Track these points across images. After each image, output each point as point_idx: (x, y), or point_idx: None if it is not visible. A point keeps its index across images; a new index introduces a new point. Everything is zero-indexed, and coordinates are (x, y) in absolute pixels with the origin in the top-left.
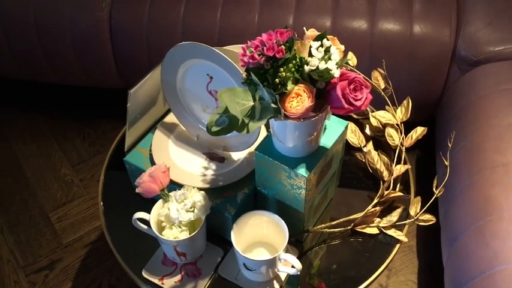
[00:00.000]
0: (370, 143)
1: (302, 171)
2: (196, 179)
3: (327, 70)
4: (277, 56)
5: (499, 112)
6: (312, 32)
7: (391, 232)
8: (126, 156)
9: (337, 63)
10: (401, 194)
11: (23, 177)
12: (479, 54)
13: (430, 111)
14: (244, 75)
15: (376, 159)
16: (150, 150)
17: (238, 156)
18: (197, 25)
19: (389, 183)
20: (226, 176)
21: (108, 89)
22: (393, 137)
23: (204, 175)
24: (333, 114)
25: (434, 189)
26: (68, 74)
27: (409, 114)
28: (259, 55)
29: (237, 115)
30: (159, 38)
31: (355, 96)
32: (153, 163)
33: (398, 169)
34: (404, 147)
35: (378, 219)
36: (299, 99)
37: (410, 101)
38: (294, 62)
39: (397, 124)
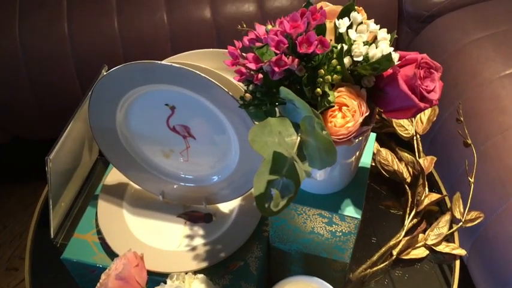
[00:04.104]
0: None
1: (350, 211)
2: (184, 259)
3: (387, 57)
4: (317, 51)
5: (483, 66)
6: (324, 7)
7: (443, 248)
8: (63, 251)
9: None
10: (438, 195)
11: None
12: (430, 7)
13: None
14: (245, 94)
15: (391, 159)
16: (99, 233)
17: (229, 207)
18: (90, 41)
19: (424, 185)
20: (225, 241)
21: None
22: (404, 125)
23: (193, 249)
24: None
25: (468, 177)
26: None
27: None
28: (287, 56)
29: (298, 164)
30: (42, 66)
31: (426, 87)
32: (109, 251)
33: (423, 163)
34: (419, 136)
35: (421, 235)
36: (345, 111)
37: None
38: (333, 55)
39: None
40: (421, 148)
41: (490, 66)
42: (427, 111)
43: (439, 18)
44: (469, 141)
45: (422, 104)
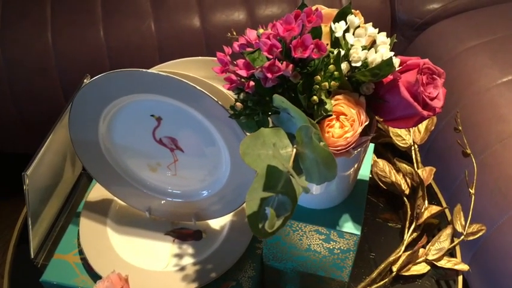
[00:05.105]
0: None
1: (349, 227)
2: (172, 280)
3: (387, 62)
4: (313, 56)
5: (479, 74)
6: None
7: (444, 263)
8: (43, 273)
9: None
10: (438, 207)
11: None
12: (423, 14)
13: None
14: (236, 103)
15: (388, 170)
16: (81, 253)
17: (220, 223)
18: (75, 51)
19: (424, 197)
20: (216, 260)
21: None
22: (402, 135)
23: (182, 269)
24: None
25: (468, 188)
26: None
27: None
28: (281, 61)
29: (295, 179)
30: (25, 77)
31: (429, 94)
32: (92, 273)
33: (422, 174)
34: (417, 146)
35: (421, 250)
36: (343, 121)
37: None
38: (330, 61)
39: None
40: (419, 158)
41: (486, 74)
42: (425, 120)
43: (432, 26)
44: (469, 151)
45: (425, 112)
